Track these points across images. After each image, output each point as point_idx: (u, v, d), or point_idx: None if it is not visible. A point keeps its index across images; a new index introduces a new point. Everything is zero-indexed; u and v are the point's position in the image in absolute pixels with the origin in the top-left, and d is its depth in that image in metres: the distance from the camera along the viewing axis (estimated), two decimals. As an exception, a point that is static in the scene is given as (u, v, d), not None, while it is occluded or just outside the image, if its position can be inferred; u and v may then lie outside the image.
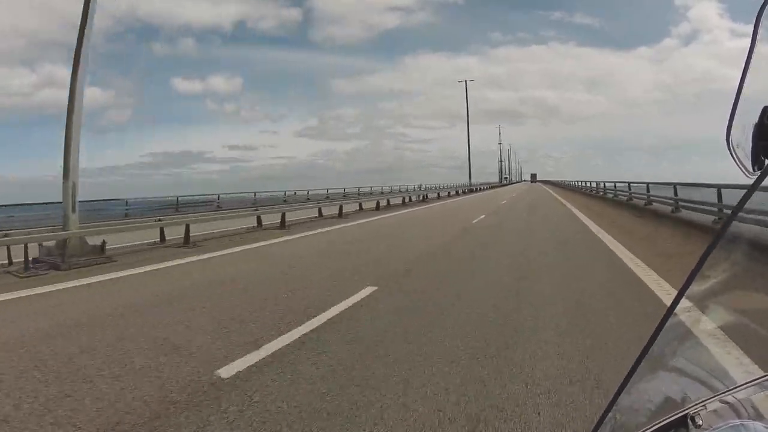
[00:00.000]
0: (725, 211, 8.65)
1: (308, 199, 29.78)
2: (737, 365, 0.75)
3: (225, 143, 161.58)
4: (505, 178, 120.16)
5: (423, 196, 32.70)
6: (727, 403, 0.65)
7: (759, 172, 0.58)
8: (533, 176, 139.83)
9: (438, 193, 37.98)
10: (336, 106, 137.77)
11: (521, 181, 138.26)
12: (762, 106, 0.59)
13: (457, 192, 43.77)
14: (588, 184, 32.80)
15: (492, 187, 68.07)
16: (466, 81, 53.16)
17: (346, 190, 34.45)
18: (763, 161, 0.58)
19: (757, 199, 0.59)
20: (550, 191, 40.20)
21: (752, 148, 0.59)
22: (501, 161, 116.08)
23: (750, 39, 0.63)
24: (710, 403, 0.65)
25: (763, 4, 0.61)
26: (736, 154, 0.61)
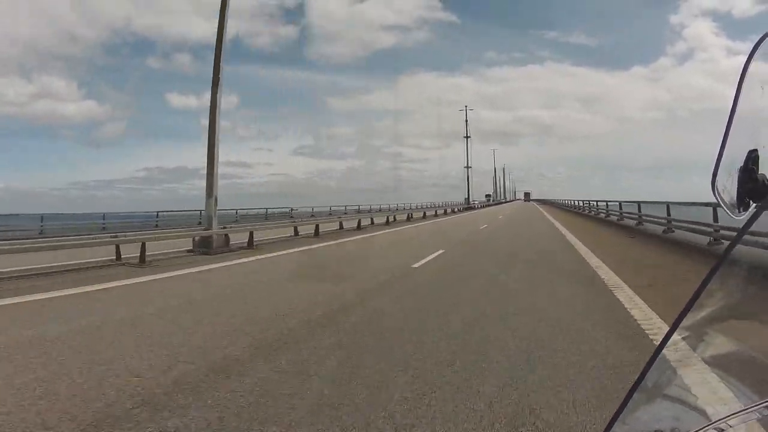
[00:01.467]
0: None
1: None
2: (730, 394, 0.76)
3: (220, 160, 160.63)
4: (487, 196, 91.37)
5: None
6: (720, 430, 0.67)
7: (744, 214, 0.60)
8: (527, 195, 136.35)
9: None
10: (332, 124, 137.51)
11: (515, 199, 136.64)
12: (747, 151, 0.60)
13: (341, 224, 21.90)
14: (594, 204, 27.43)
15: (439, 214, 38.29)
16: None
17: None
18: (748, 203, 0.60)
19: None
20: (553, 220, 25.68)
21: (738, 191, 0.60)
22: (468, 167, 71.60)
23: (740, 64, 0.63)
24: None
25: (753, 48, 0.63)
26: (721, 197, 0.62)
